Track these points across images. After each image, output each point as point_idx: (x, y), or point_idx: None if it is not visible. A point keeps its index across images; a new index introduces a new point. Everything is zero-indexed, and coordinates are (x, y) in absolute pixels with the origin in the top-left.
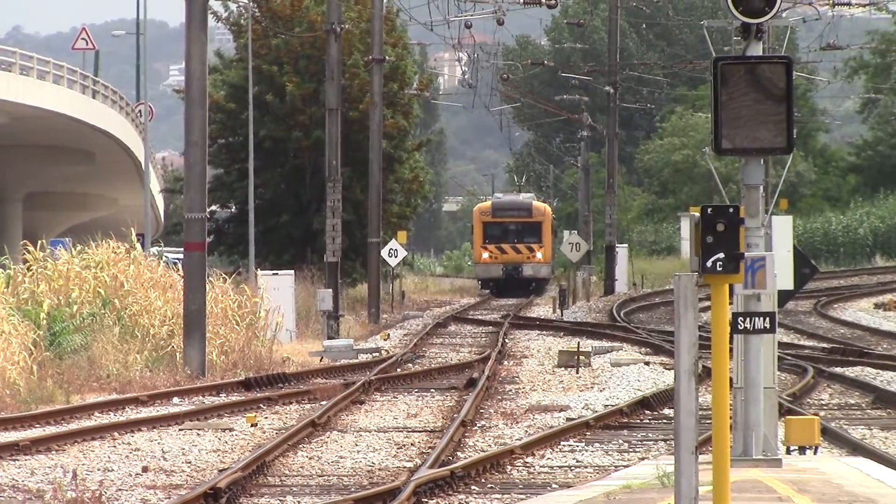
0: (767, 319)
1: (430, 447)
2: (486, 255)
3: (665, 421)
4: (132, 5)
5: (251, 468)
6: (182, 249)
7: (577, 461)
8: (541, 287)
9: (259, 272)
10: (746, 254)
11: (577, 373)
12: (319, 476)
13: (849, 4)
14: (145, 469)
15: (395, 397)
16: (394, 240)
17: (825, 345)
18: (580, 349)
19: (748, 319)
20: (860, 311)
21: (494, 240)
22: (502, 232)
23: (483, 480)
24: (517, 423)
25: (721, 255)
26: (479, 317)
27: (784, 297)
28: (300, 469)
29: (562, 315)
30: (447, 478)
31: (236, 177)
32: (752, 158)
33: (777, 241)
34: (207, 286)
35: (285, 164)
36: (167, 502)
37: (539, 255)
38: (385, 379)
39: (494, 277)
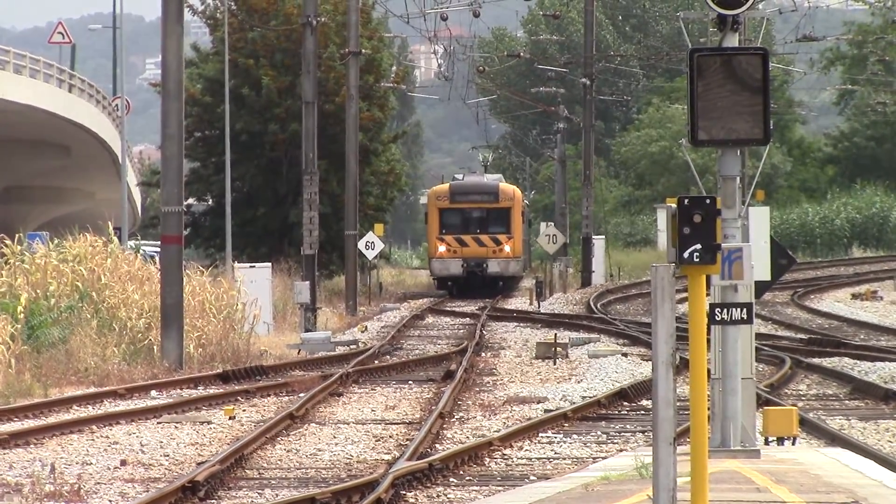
0: (745, 310)
1: (408, 439)
2: (442, 247)
3: (643, 412)
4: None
5: (229, 461)
6: (159, 243)
7: (556, 453)
8: (509, 286)
9: (236, 265)
10: (723, 245)
11: (555, 364)
12: (297, 469)
13: None
14: (123, 462)
15: (373, 389)
16: (371, 232)
17: (802, 335)
18: (557, 341)
19: (725, 310)
20: (837, 302)
21: (453, 230)
22: (463, 220)
23: (461, 473)
24: (495, 414)
25: (698, 246)
26: (457, 309)
27: (761, 287)
28: (278, 462)
29: (539, 307)
30: (425, 470)
31: (213, 170)
32: (729, 150)
33: (754, 232)
34: (185, 279)
35: (262, 157)
36: (145, 496)
37: (507, 248)
38: (363, 371)
39: (454, 275)
